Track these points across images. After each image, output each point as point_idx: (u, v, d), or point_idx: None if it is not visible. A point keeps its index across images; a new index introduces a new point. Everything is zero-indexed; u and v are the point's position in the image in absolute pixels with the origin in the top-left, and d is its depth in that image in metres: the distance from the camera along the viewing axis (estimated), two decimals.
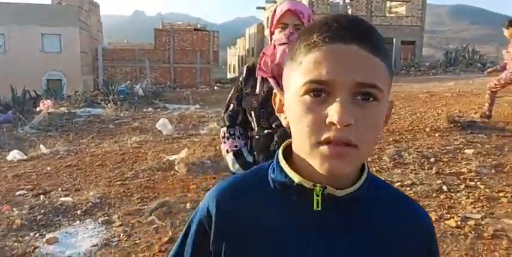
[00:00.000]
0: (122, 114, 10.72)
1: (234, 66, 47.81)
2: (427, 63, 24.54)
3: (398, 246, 0.66)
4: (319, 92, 0.57)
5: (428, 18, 29.61)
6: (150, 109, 12.09)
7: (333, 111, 0.55)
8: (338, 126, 0.55)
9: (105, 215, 3.71)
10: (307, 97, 0.58)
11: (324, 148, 0.57)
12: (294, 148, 0.65)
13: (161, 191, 4.26)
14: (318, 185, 0.62)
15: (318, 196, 0.62)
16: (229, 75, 43.51)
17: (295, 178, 0.64)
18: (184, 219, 3.48)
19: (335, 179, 0.62)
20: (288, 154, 0.68)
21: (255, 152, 1.84)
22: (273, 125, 1.74)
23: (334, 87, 0.57)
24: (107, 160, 5.68)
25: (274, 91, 0.71)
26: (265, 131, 1.77)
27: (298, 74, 0.60)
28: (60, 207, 3.89)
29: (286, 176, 0.65)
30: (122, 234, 3.28)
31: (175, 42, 30.14)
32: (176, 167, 4.92)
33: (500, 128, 5.95)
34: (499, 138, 5.44)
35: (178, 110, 11.72)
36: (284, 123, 0.67)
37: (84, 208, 3.86)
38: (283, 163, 0.67)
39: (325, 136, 0.56)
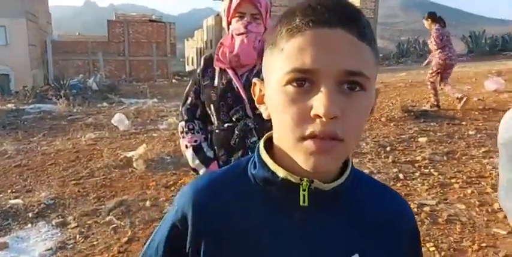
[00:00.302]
0: (74, 110, 10.31)
1: (192, 58, 47.14)
2: (381, 55, 25.25)
3: (384, 237, 0.65)
4: (302, 81, 0.53)
5: (381, 11, 30.44)
6: (105, 104, 11.70)
7: (318, 103, 0.51)
8: (324, 119, 0.51)
9: (59, 216, 3.55)
10: (290, 87, 0.54)
11: (309, 143, 0.53)
12: (275, 141, 0.62)
13: (119, 190, 4.13)
14: (305, 179, 0.58)
15: (304, 190, 0.59)
16: (188, 68, 42.89)
17: (280, 172, 0.60)
18: (145, 218, 3.39)
19: (321, 174, 0.59)
20: (269, 147, 0.64)
21: (215, 147, 1.79)
22: (233, 119, 1.70)
23: (319, 75, 0.52)
24: (59, 158, 5.44)
25: (253, 81, 0.65)
26: (225, 125, 1.73)
27: (280, 61, 0.55)
28: (10, 210, 3.69)
29: (270, 170, 0.61)
30: (78, 236, 3.16)
31: (130, 34, 29.25)
32: (134, 164, 4.79)
33: (450, 117, 6.23)
34: (449, 126, 5.70)
35: (135, 105, 11.41)
36: (264, 115, 0.62)
37: (36, 210, 3.68)
38: (265, 157, 0.62)
39: (310, 129, 0.52)
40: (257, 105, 0.65)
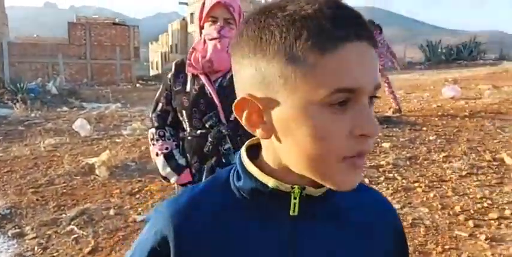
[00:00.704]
0: (32, 115, 9.88)
1: (156, 63, 46.48)
2: None
3: (372, 238, 0.64)
4: (344, 102, 0.49)
5: None
6: (65, 108, 11.29)
7: (364, 123, 0.50)
8: (370, 139, 0.51)
9: (16, 227, 3.38)
10: (330, 109, 0.49)
11: (356, 161, 0.51)
12: (287, 163, 0.56)
13: (81, 198, 3.97)
14: (296, 186, 0.56)
15: (295, 198, 0.57)
16: (152, 72, 42.20)
17: (270, 182, 0.57)
18: (108, 227, 3.28)
19: (307, 179, 0.56)
20: (252, 156, 0.60)
21: (187, 154, 1.75)
22: (206, 125, 1.66)
23: (360, 93, 0.50)
24: (16, 165, 5.18)
25: (242, 97, 0.55)
26: (198, 132, 1.69)
27: (313, 78, 0.49)
28: None
29: (257, 181, 0.57)
30: (36, 247, 3.01)
31: (92, 37, 28.46)
32: (97, 171, 4.63)
33: (412, 123, 6.44)
34: (411, 131, 5.89)
35: (97, 109, 11.08)
36: (264, 136, 0.55)
37: None
38: (251, 167, 0.58)
39: (358, 149, 0.50)
40: (249, 130, 0.56)
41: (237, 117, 0.57)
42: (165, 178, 1.79)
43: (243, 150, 0.61)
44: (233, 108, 0.56)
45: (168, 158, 1.74)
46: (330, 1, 0.50)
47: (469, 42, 22.89)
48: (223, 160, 1.66)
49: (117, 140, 6.48)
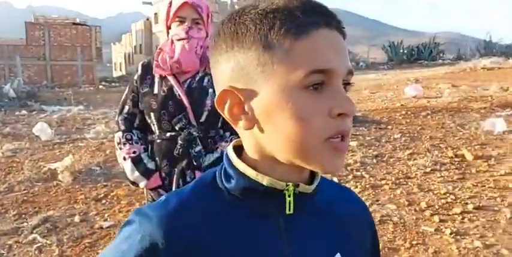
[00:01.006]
0: None
1: (120, 64, 45.40)
2: None
3: (354, 232, 0.66)
4: (319, 84, 0.52)
5: None
6: (24, 112, 10.83)
7: (341, 102, 0.52)
8: (348, 118, 0.53)
9: None
10: (308, 90, 0.52)
11: (338, 143, 0.53)
12: (258, 151, 0.57)
13: (43, 205, 3.81)
14: (290, 184, 0.56)
15: (289, 196, 0.56)
16: (116, 74, 41.20)
17: (264, 180, 0.56)
18: (74, 234, 3.15)
19: (299, 174, 0.57)
20: (238, 155, 0.59)
21: (156, 158, 1.69)
22: (176, 127, 1.62)
23: (333, 76, 0.52)
24: None
25: (225, 88, 0.55)
26: (168, 134, 1.65)
27: (287, 63, 0.51)
28: None
29: (250, 180, 0.57)
30: None
31: (52, 37, 27.47)
32: (60, 177, 4.46)
33: (377, 121, 6.59)
34: (377, 130, 6.03)
35: (58, 112, 10.69)
36: (245, 127, 0.55)
37: None
38: (243, 166, 0.58)
39: (338, 128, 0.52)
40: (230, 121, 0.57)
41: (219, 111, 0.57)
42: (133, 183, 1.73)
43: (230, 150, 0.61)
44: (215, 103, 0.57)
45: (136, 162, 1.69)
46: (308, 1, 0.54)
47: (428, 43, 23.74)
48: (194, 163, 1.62)
49: (81, 144, 6.27)
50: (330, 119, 0.52)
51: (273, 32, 0.52)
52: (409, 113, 7.14)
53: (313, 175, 0.61)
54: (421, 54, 22.99)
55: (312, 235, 0.60)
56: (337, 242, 0.63)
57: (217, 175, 0.61)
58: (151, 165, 1.68)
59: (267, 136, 0.55)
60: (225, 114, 0.57)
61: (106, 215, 3.54)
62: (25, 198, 4.00)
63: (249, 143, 0.58)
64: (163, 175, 1.68)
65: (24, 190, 4.22)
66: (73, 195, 4.04)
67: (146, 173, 1.67)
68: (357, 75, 15.91)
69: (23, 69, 24.02)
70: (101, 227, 3.27)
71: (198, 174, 1.60)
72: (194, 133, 1.60)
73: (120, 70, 43.29)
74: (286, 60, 0.52)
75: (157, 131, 1.68)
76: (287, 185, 0.56)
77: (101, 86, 24.19)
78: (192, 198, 0.60)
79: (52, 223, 3.37)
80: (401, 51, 23.51)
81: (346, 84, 0.55)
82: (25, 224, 3.38)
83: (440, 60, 22.57)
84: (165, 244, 0.55)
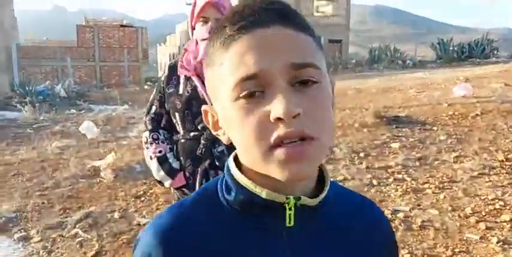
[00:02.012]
0: (41, 118, 9.95)
1: (165, 64, 46.61)
2: (353, 61, 25.71)
3: (367, 250, 0.62)
4: (252, 92, 0.49)
5: (351, 18, 31.03)
6: (73, 111, 11.36)
7: (275, 105, 0.48)
8: (286, 120, 0.47)
9: (22, 230, 3.38)
10: (241, 101, 0.50)
11: (279, 152, 0.48)
12: (244, 162, 0.56)
13: (86, 201, 3.97)
14: (291, 197, 0.53)
15: (290, 209, 0.54)
16: (160, 74, 42.39)
17: (263, 193, 0.54)
18: (113, 230, 3.26)
19: (300, 187, 0.54)
20: (238, 166, 0.58)
21: (181, 157, 1.71)
22: (199, 127, 1.63)
23: (268, 77, 0.49)
24: (23, 168, 5.20)
25: (202, 108, 0.59)
26: (191, 134, 1.66)
27: (223, 77, 0.51)
28: None
29: (250, 193, 0.55)
30: (41, 251, 3.01)
31: (101, 39, 28.65)
32: (102, 174, 4.62)
33: (421, 122, 6.32)
34: (421, 131, 5.78)
35: (104, 112, 11.13)
36: (224, 140, 0.57)
37: None
38: (242, 178, 0.56)
39: (274, 135, 0.48)
40: (214, 133, 0.59)
41: (207, 124, 0.60)
42: (159, 182, 1.76)
43: (230, 161, 0.59)
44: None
45: (162, 161, 1.71)
46: (251, 1, 0.53)
47: (481, 40, 22.58)
48: (217, 163, 1.62)
49: (123, 143, 6.48)
50: (270, 126, 0.48)
51: (211, 48, 0.54)
52: (456, 113, 6.80)
53: (322, 186, 0.57)
54: (472, 51, 21.88)
55: (317, 250, 0.57)
56: (347, 255, 0.59)
57: (218, 186, 0.59)
58: (176, 164, 1.70)
59: (238, 151, 0.55)
60: (213, 131, 0.59)
61: (144, 212, 3.62)
62: (70, 194, 4.18)
63: (240, 158, 0.57)
64: (187, 174, 1.69)
65: (69, 185, 4.42)
66: (114, 192, 4.18)
67: (171, 173, 1.69)
68: (403, 74, 15.42)
69: (74, 70, 25.23)
70: (139, 224, 3.36)
71: (220, 173, 1.59)
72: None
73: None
74: (221, 74, 0.52)
75: (181, 131, 1.69)
76: (287, 198, 0.53)
77: (146, 86, 24.96)
78: (192, 211, 0.58)
79: (93, 218, 3.50)
80: (451, 48, 22.50)
81: (302, 81, 0.50)
82: (68, 218, 3.53)
83: (493, 58, 21.40)
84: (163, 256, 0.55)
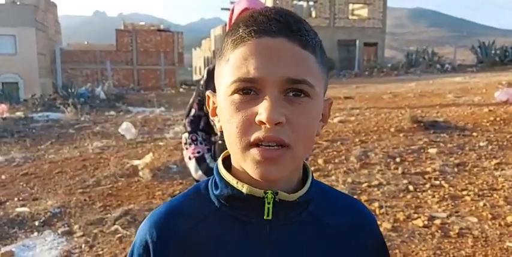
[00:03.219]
0: (82, 119, 10.36)
1: (200, 68, 47.42)
2: (389, 65, 25.25)
3: (349, 247, 0.64)
4: (248, 90, 0.55)
5: (388, 21, 30.45)
6: (112, 113, 11.76)
7: (262, 110, 0.52)
8: (268, 126, 0.52)
9: (65, 225, 3.53)
10: (235, 96, 0.55)
11: (255, 151, 0.54)
12: (231, 154, 0.62)
13: (125, 199, 4.10)
14: (269, 191, 0.58)
15: (269, 203, 0.59)
16: (195, 77, 43.09)
17: (244, 188, 0.59)
18: None
19: (279, 183, 0.59)
20: (228, 165, 0.64)
21: (218, 158, 1.76)
22: None
23: (263, 84, 0.54)
24: (66, 166, 5.44)
25: (207, 94, 0.66)
26: None
27: (227, 72, 0.57)
28: (17, 218, 3.67)
29: (233, 188, 0.60)
30: (83, 245, 3.13)
31: (138, 43, 29.51)
32: (140, 173, 4.76)
33: (460, 128, 6.14)
34: (459, 137, 5.61)
35: (142, 113, 11.45)
36: (217, 127, 0.63)
37: (43, 218, 3.66)
38: (226, 174, 0.62)
39: (254, 135, 0.53)
40: (211, 118, 0.65)
41: (207, 109, 0.66)
42: (197, 181, 1.82)
43: (219, 161, 0.65)
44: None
45: (200, 161, 1.78)
46: (268, 7, 0.59)
47: None
48: None
49: (160, 143, 6.65)
50: (254, 126, 0.53)
51: (225, 43, 0.59)
52: (498, 119, 6.55)
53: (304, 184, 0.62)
54: None
55: (298, 243, 0.61)
56: (328, 252, 0.63)
57: (209, 183, 0.65)
58: (213, 165, 1.76)
59: (226, 141, 0.59)
60: (211, 116, 0.65)
61: None
62: (110, 192, 4.34)
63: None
64: None
65: (109, 184, 4.58)
66: (151, 191, 4.30)
67: (208, 172, 1.75)
68: (442, 78, 15.00)
69: (113, 73, 26.07)
70: None
71: None
72: None
73: (200, 74, 45.15)
74: (226, 69, 0.57)
75: (218, 133, 1.75)
76: (266, 193, 0.58)
77: (181, 89, 25.44)
78: (182, 204, 0.65)
79: (132, 215, 3.61)
80: (493, 52, 21.66)
81: (295, 92, 0.55)
82: (109, 215, 3.66)
83: None
84: (153, 248, 0.62)
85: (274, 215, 0.59)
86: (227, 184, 0.61)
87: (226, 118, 0.57)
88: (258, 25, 0.55)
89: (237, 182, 0.60)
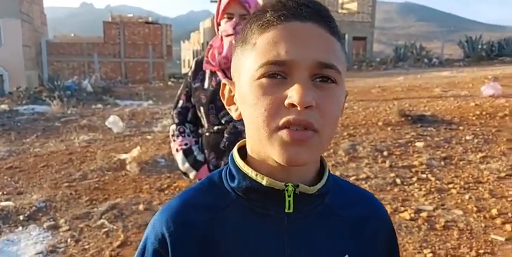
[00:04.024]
0: (69, 112, 10.23)
1: (188, 61, 47.08)
2: (378, 59, 25.36)
3: (364, 238, 0.65)
4: (276, 74, 0.54)
5: (377, 15, 30.55)
6: (99, 106, 11.63)
7: (292, 92, 0.52)
8: (298, 108, 0.51)
9: (51, 219, 3.49)
10: (263, 80, 0.54)
11: (284, 132, 0.52)
12: (249, 141, 0.60)
13: (112, 193, 4.07)
14: (290, 184, 0.57)
15: (289, 196, 0.58)
16: (184, 70, 42.81)
17: (263, 180, 0.58)
18: (138, 222, 3.33)
19: (298, 175, 0.58)
20: (243, 156, 0.62)
21: (205, 150, 1.75)
22: (223, 121, 1.67)
23: (293, 67, 0.53)
24: (52, 160, 5.37)
25: (222, 82, 0.64)
26: (215, 128, 1.70)
27: (253, 56, 0.55)
28: (1, 212, 3.63)
29: (252, 180, 0.59)
30: (69, 239, 3.10)
31: (126, 36, 29.13)
32: (128, 167, 4.73)
33: (447, 122, 6.20)
34: (446, 131, 5.67)
35: (129, 107, 11.35)
36: (234, 116, 0.61)
37: (28, 212, 3.61)
38: (244, 167, 0.60)
39: (284, 118, 0.52)
40: (227, 108, 0.64)
41: (222, 101, 0.65)
42: (184, 173, 1.82)
43: (235, 150, 0.63)
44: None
45: (187, 153, 1.76)
46: None
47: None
48: None
49: (148, 137, 6.60)
50: (282, 109, 0.52)
51: (248, 29, 0.58)
52: (484, 113, 6.63)
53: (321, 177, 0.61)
54: (502, 50, 21.23)
55: (318, 235, 0.61)
56: (346, 244, 0.62)
57: (222, 174, 0.63)
58: (200, 157, 1.75)
59: (247, 128, 0.58)
60: (226, 105, 0.65)
61: None
62: (96, 185, 4.29)
63: (247, 142, 0.61)
64: (211, 167, 1.73)
65: (96, 177, 4.54)
66: (139, 184, 4.27)
67: (195, 165, 1.74)
68: (429, 72, 15.12)
69: (100, 66, 25.74)
70: None
71: None
72: (239, 127, 1.64)
73: (189, 67, 44.81)
74: (252, 54, 0.56)
75: (206, 125, 1.74)
76: (286, 186, 0.57)
77: (169, 83, 25.26)
78: (197, 197, 0.63)
79: (119, 209, 3.58)
80: (479, 46, 21.88)
81: (322, 78, 0.54)
82: (95, 209, 3.63)
83: None
84: (171, 241, 0.59)
85: (295, 207, 0.58)
86: (245, 176, 0.60)
87: (252, 102, 0.55)
88: (287, 10, 0.55)
89: (256, 175, 0.58)
